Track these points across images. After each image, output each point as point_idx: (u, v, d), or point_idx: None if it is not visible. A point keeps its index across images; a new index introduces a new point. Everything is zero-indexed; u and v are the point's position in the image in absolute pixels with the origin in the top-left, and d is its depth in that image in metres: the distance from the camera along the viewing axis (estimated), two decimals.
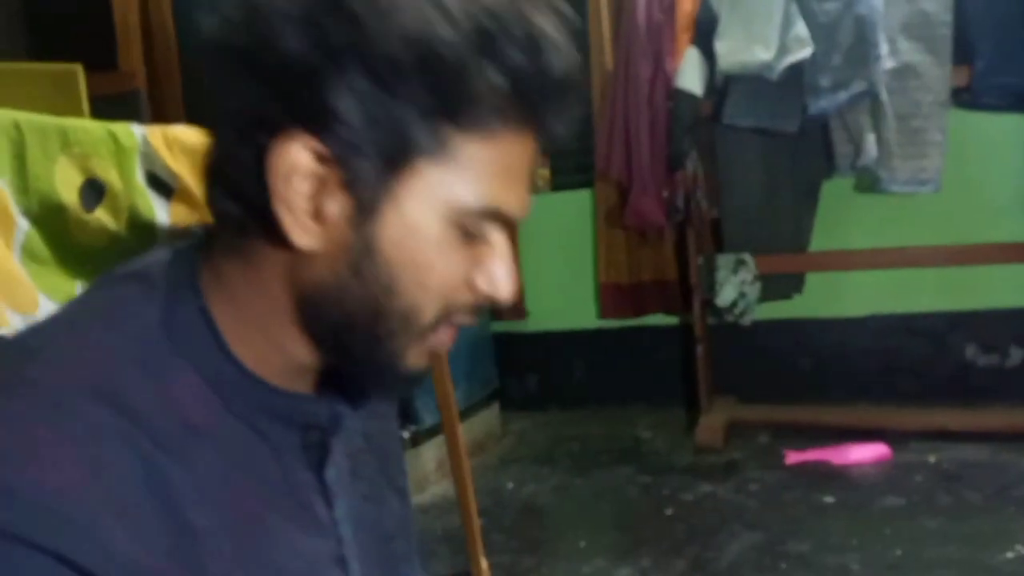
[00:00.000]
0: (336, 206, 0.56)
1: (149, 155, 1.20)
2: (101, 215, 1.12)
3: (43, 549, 0.50)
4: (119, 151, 1.13)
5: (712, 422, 2.68)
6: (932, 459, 2.38)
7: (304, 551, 0.63)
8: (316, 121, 0.55)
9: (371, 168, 0.56)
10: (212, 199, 0.60)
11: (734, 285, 2.69)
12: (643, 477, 2.47)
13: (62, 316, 0.61)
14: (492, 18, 0.55)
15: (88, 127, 1.10)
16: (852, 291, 2.86)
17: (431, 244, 0.57)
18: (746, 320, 2.72)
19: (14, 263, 1.00)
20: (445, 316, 0.60)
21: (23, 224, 1.01)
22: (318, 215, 0.57)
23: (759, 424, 2.70)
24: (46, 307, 1.05)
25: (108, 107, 1.55)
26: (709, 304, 2.73)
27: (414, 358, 0.61)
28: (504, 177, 0.58)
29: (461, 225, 0.58)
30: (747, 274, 2.69)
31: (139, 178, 1.18)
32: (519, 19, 0.56)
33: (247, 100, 0.56)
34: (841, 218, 2.80)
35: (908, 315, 2.81)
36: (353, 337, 0.59)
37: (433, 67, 0.54)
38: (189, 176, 1.29)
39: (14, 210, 1.00)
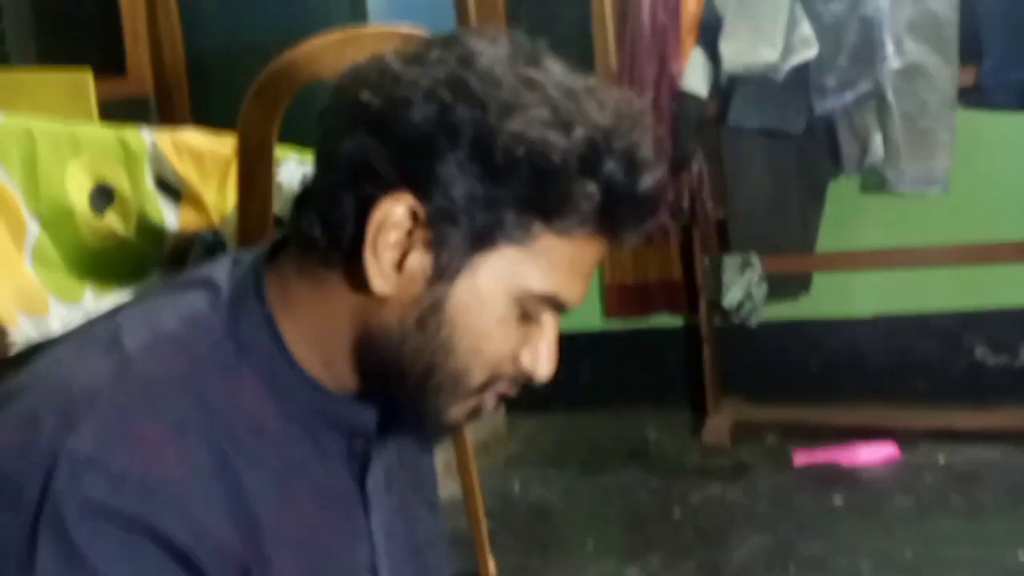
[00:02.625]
0: (418, 262, 0.62)
1: (158, 159, 1.21)
2: (111, 219, 1.12)
3: (146, 528, 0.55)
4: (128, 156, 1.14)
5: (719, 423, 2.68)
6: (942, 459, 2.38)
7: (344, 556, 0.67)
8: (421, 185, 0.61)
9: (458, 238, 0.61)
10: (300, 223, 0.64)
11: (741, 286, 2.69)
12: (650, 478, 2.47)
13: (142, 317, 0.65)
14: (600, 132, 0.61)
15: (98, 132, 1.11)
16: (860, 291, 2.85)
17: (493, 316, 0.63)
18: (753, 321, 2.71)
19: (25, 266, 1.00)
20: (490, 383, 0.66)
21: (34, 228, 1.02)
22: (400, 266, 0.62)
23: (767, 425, 2.69)
24: (56, 310, 1.06)
25: (117, 112, 1.56)
26: (715, 305, 2.73)
27: (454, 415, 0.66)
28: (572, 271, 0.64)
29: (523, 305, 0.63)
30: (754, 275, 2.68)
31: (148, 182, 1.19)
32: (622, 136, 0.61)
33: (364, 152, 0.61)
34: (848, 218, 2.79)
35: (916, 315, 2.80)
36: (403, 384, 0.64)
37: (538, 167, 0.60)
38: (197, 180, 1.29)
39: (25, 214, 1.00)
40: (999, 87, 2.48)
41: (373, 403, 0.67)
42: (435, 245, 0.61)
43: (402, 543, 0.73)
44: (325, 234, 0.63)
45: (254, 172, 1.21)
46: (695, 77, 2.61)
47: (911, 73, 2.46)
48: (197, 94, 2.39)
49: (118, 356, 0.61)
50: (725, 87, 2.60)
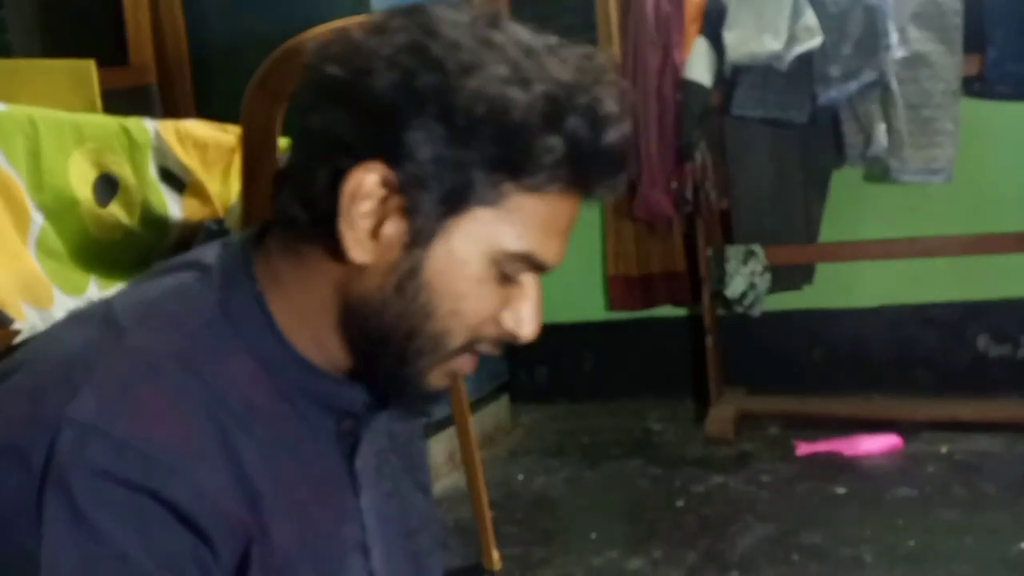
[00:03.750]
0: (393, 229, 0.63)
1: (161, 150, 1.21)
2: (115, 209, 1.12)
3: (149, 492, 0.56)
4: (132, 146, 1.14)
5: (722, 413, 2.68)
6: (944, 450, 2.38)
7: (333, 535, 0.68)
8: (390, 152, 0.61)
9: (431, 202, 0.62)
10: (279, 202, 0.66)
11: (744, 276, 2.68)
12: (654, 469, 2.47)
13: (136, 298, 0.66)
14: (561, 88, 0.61)
15: (102, 122, 1.11)
16: (863, 282, 2.85)
17: (470, 278, 0.63)
18: (756, 311, 2.71)
19: (30, 257, 1.00)
20: (470, 344, 0.66)
21: (38, 219, 1.02)
22: (375, 234, 0.63)
23: (770, 415, 2.70)
24: (61, 301, 1.06)
25: (120, 102, 1.55)
26: (719, 295, 2.73)
27: (436, 378, 0.67)
28: (547, 230, 0.64)
29: (500, 266, 0.64)
30: (757, 265, 2.68)
31: (152, 172, 1.19)
32: (584, 91, 0.62)
33: (332, 124, 0.62)
34: (852, 208, 2.79)
35: (919, 305, 2.79)
36: (386, 350, 0.65)
37: (502, 125, 0.60)
38: (200, 170, 1.29)
39: (29, 205, 1.00)
40: (1004, 77, 2.47)
41: (362, 382, 0.68)
42: (409, 211, 0.62)
43: (394, 526, 0.74)
44: (303, 210, 0.64)
45: (258, 162, 1.21)
46: (699, 66, 2.60)
47: (915, 62, 2.45)
48: (200, 84, 2.39)
49: (114, 330, 0.63)
50: (729, 77, 2.59)
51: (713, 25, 2.58)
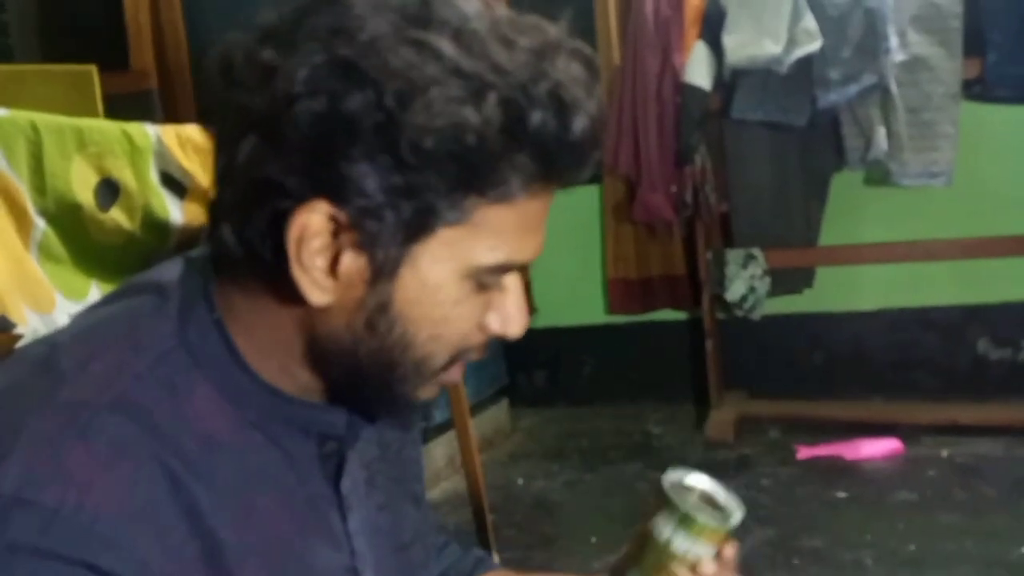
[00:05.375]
0: (351, 264, 0.56)
1: (163, 154, 1.20)
2: (116, 214, 1.12)
3: (85, 565, 0.51)
4: (134, 151, 1.13)
5: (722, 417, 2.68)
6: (945, 453, 2.38)
7: (318, 563, 0.63)
8: (331, 189, 0.54)
9: (388, 232, 0.55)
10: (219, 239, 0.58)
11: (744, 280, 2.68)
12: (654, 472, 2.46)
13: (82, 331, 0.61)
14: (517, 86, 0.53)
15: (103, 127, 1.10)
16: (863, 285, 2.85)
17: (446, 301, 0.58)
18: (756, 315, 2.71)
19: (31, 262, 1.00)
20: (457, 357, 0.61)
21: (40, 223, 1.02)
22: (333, 273, 0.56)
23: (770, 419, 2.70)
24: (63, 306, 1.05)
25: (121, 107, 1.55)
26: (718, 299, 2.73)
27: (424, 392, 0.63)
28: (521, 233, 0.58)
29: (475, 280, 0.58)
30: (757, 268, 2.68)
31: (153, 177, 1.18)
32: (544, 78, 0.54)
33: (261, 163, 0.54)
34: (851, 212, 2.79)
35: (920, 309, 2.80)
36: (366, 384, 0.60)
37: (458, 149, 0.53)
38: (202, 175, 1.29)
39: (31, 210, 1.00)
40: (1003, 80, 2.48)
41: (341, 404, 0.64)
42: (366, 245, 0.55)
43: (387, 539, 0.70)
44: (244, 251, 0.57)
45: None
46: (698, 70, 2.60)
47: (915, 66, 2.45)
48: (201, 88, 2.39)
49: (49, 379, 0.57)
50: (728, 80, 2.59)
51: (713, 29, 2.58)
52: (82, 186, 1.06)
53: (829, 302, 2.86)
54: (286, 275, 0.56)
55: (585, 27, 2.90)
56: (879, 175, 2.67)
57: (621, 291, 3.00)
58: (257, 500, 0.60)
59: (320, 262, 0.56)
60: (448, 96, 0.52)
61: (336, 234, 0.55)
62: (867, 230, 2.78)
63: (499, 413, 2.94)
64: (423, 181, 0.54)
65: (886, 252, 2.73)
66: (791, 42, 2.46)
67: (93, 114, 1.28)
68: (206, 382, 0.59)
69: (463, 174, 0.54)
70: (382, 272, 0.56)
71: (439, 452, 2.55)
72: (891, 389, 2.76)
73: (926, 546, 1.92)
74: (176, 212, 1.22)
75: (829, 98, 2.51)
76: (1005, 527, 1.97)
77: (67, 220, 1.05)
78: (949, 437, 2.44)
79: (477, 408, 2.72)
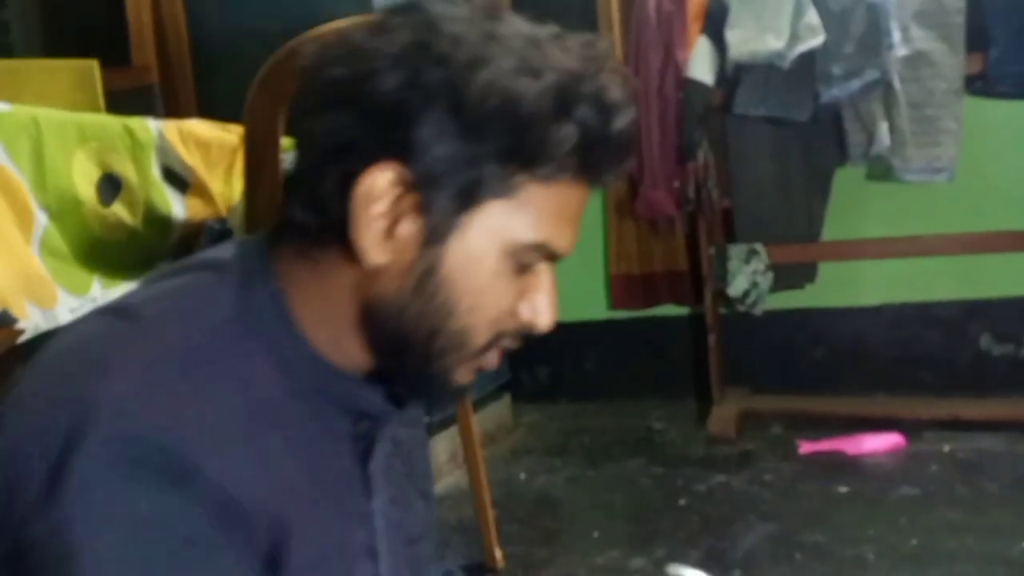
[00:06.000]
0: (408, 228, 0.62)
1: (164, 149, 1.21)
2: (118, 209, 1.12)
3: (188, 467, 0.56)
4: (135, 146, 1.14)
5: (725, 413, 2.68)
6: (947, 449, 2.38)
7: (346, 538, 0.67)
8: (401, 151, 0.61)
9: (445, 199, 0.61)
10: (288, 208, 0.65)
11: (746, 275, 2.68)
12: (656, 468, 2.47)
13: (152, 294, 0.66)
14: (568, 76, 0.61)
15: (105, 122, 1.11)
16: (865, 280, 2.85)
17: (488, 272, 0.63)
18: (758, 310, 2.71)
19: (33, 257, 1.00)
20: (494, 340, 0.66)
21: (42, 219, 1.02)
22: (390, 234, 0.62)
23: (772, 414, 2.69)
24: (64, 301, 1.06)
25: (122, 103, 1.56)
26: (721, 294, 2.73)
27: (462, 375, 0.67)
28: (559, 218, 0.64)
29: (515, 257, 0.64)
30: (759, 264, 2.68)
31: (155, 172, 1.19)
32: (591, 79, 0.62)
33: (339, 127, 0.61)
34: (854, 207, 2.78)
35: (922, 304, 2.79)
36: (409, 350, 0.64)
37: (512, 115, 0.60)
38: (203, 170, 1.29)
39: (33, 205, 1.00)
40: (1006, 76, 2.47)
41: (380, 383, 0.67)
42: (423, 209, 0.61)
43: (397, 532, 0.73)
44: (314, 216, 0.63)
45: (261, 161, 1.21)
46: (701, 65, 2.60)
47: (917, 61, 2.45)
48: (202, 84, 2.39)
49: (133, 320, 0.62)
50: (731, 75, 2.59)
51: (715, 24, 2.58)
52: (84, 181, 1.06)
53: (831, 297, 2.86)
54: (347, 239, 0.62)
55: (587, 22, 2.89)
56: (881, 170, 2.66)
57: (623, 287, 3.00)
58: (298, 468, 0.63)
59: (381, 222, 0.61)
60: (509, 68, 0.60)
61: (398, 197, 0.61)
62: (869, 225, 2.77)
63: (501, 409, 2.94)
64: (480, 150, 0.61)
65: (888, 248, 2.72)
66: (793, 37, 2.45)
67: (95, 109, 1.29)
68: (259, 351, 0.63)
69: (514, 145, 0.61)
70: (434, 237, 0.62)
71: (441, 448, 2.55)
72: (893, 384, 2.76)
73: (928, 541, 1.92)
74: (178, 207, 1.22)
75: (831, 93, 2.51)
76: (1007, 523, 1.96)
77: (69, 215, 1.05)
78: (951, 432, 2.44)
79: (479, 404, 2.73)
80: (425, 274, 0.62)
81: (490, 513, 1.96)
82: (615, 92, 0.63)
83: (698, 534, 2.07)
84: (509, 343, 0.67)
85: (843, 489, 2.21)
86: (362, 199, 0.61)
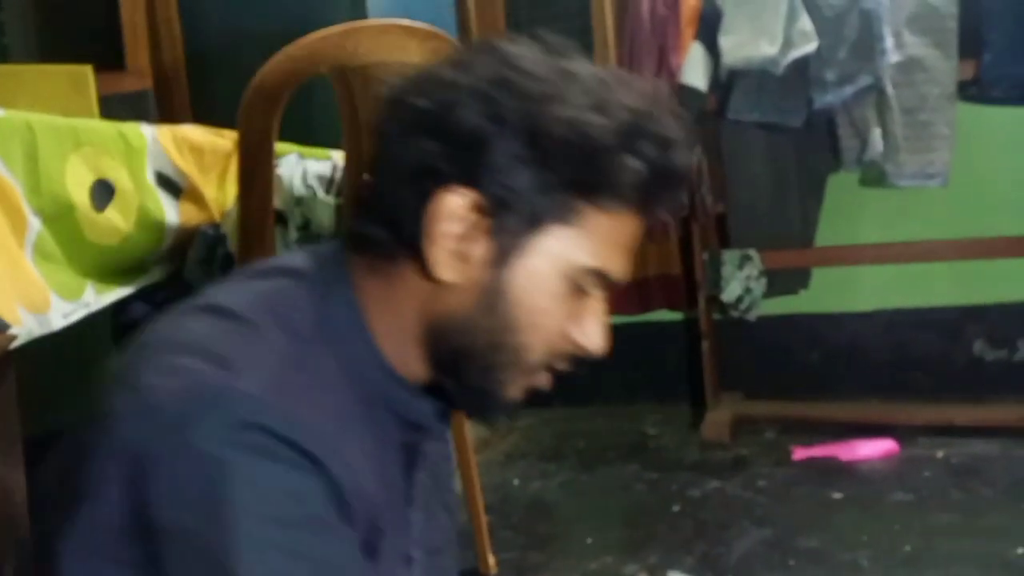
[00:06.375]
0: (478, 249, 0.67)
1: (158, 155, 1.21)
2: (111, 215, 1.12)
3: (312, 459, 0.60)
4: (129, 150, 1.13)
5: (718, 418, 2.68)
6: (941, 454, 2.38)
7: (393, 544, 0.71)
8: (477, 176, 0.66)
9: (513, 222, 0.67)
10: (360, 225, 0.70)
11: (740, 280, 2.69)
12: (650, 473, 2.47)
13: (247, 298, 0.69)
14: (634, 115, 0.67)
15: (99, 127, 1.10)
16: (859, 286, 2.85)
17: (547, 293, 0.68)
18: (752, 315, 2.71)
19: (26, 262, 1.00)
20: (548, 360, 0.71)
21: (35, 223, 1.02)
22: (461, 254, 0.67)
23: (766, 420, 2.70)
24: (57, 305, 1.05)
25: (117, 108, 1.55)
26: (715, 300, 2.73)
27: (514, 390, 0.71)
28: (615, 246, 0.69)
29: (573, 280, 0.68)
30: (753, 269, 2.68)
31: (149, 177, 1.19)
32: (655, 119, 0.67)
33: (421, 152, 0.67)
34: (848, 212, 2.79)
35: (915, 309, 2.80)
36: (468, 363, 0.69)
37: (583, 147, 0.66)
38: (197, 175, 1.29)
39: (26, 209, 1.00)
40: (999, 81, 2.48)
41: (434, 396, 0.72)
42: (493, 231, 0.67)
43: (425, 542, 0.77)
44: (389, 233, 0.68)
45: (254, 167, 1.21)
46: (694, 71, 2.61)
47: (911, 67, 2.46)
48: (197, 89, 2.39)
49: (240, 323, 0.65)
50: (725, 81, 2.59)
51: (709, 29, 2.58)
52: (77, 186, 1.06)
53: (825, 303, 2.87)
54: (419, 255, 0.67)
55: (581, 27, 2.90)
56: (875, 176, 2.67)
57: (617, 292, 3.00)
58: (374, 473, 0.67)
59: (453, 242, 0.67)
60: (579, 104, 0.66)
61: (471, 219, 0.66)
62: (863, 231, 2.78)
63: None
64: (550, 179, 0.66)
65: (882, 253, 2.73)
66: (787, 43, 2.46)
67: (89, 114, 1.29)
68: (334, 356, 0.67)
69: (582, 175, 0.66)
70: (501, 258, 0.67)
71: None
72: (887, 390, 2.76)
73: (922, 546, 1.92)
74: (171, 212, 1.22)
75: (825, 99, 2.52)
76: (1001, 527, 1.97)
77: (62, 220, 1.05)
78: (945, 438, 2.44)
79: None
80: (491, 292, 0.67)
81: (483, 518, 1.95)
82: (675, 132, 0.68)
83: (692, 540, 2.06)
84: (560, 364, 0.72)
85: (837, 494, 2.21)
86: (437, 219, 0.66)
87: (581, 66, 0.69)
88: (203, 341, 0.64)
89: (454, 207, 0.66)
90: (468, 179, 0.66)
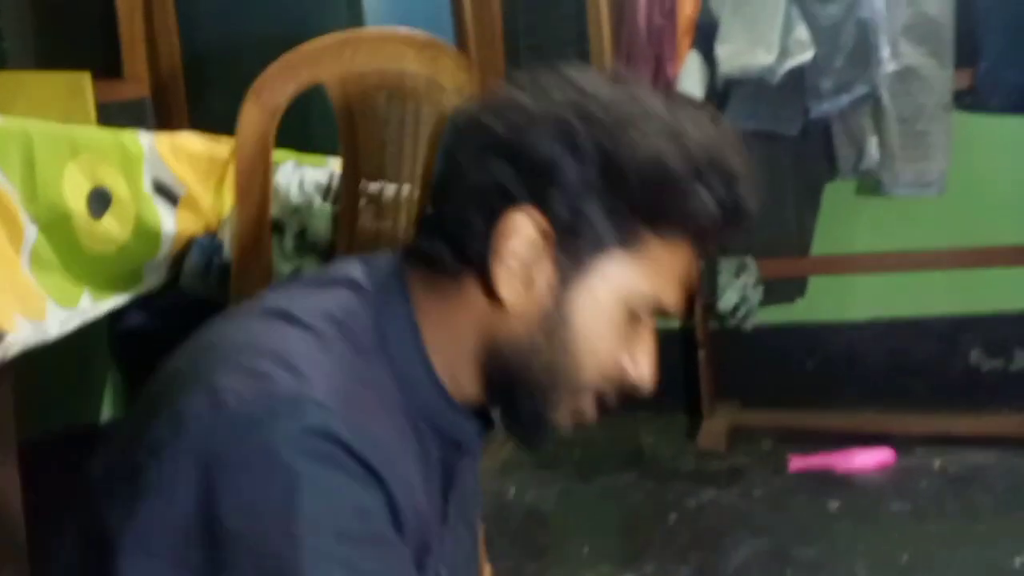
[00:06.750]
0: (541, 271, 0.68)
1: (155, 162, 1.20)
2: (108, 223, 1.12)
3: (375, 472, 0.61)
4: (126, 158, 1.13)
5: (715, 427, 2.68)
6: (937, 464, 2.38)
7: (426, 557, 0.70)
8: (547, 200, 0.67)
9: (579, 247, 0.68)
10: (423, 241, 0.71)
11: (736, 289, 2.69)
12: (646, 482, 2.47)
13: (311, 305, 0.69)
14: (708, 149, 0.67)
15: (96, 135, 1.10)
16: (855, 294, 2.85)
17: (605, 318, 0.69)
18: (748, 324, 2.71)
19: (23, 270, 1.00)
20: (598, 386, 0.71)
21: (31, 231, 1.02)
22: (524, 275, 0.68)
23: (762, 429, 2.69)
24: (54, 313, 1.05)
25: (114, 115, 1.55)
26: (711, 308, 2.73)
27: (562, 416, 0.72)
28: (671, 276, 0.70)
29: (630, 307, 0.69)
30: (749, 277, 2.68)
31: (146, 185, 1.18)
32: (727, 157, 0.68)
33: (493, 173, 0.68)
34: (844, 221, 2.79)
35: (912, 318, 2.80)
36: (523, 385, 0.70)
37: (653, 178, 0.66)
38: (194, 183, 1.29)
39: (23, 217, 1.00)
40: (995, 90, 2.49)
41: (480, 416, 0.72)
42: (558, 254, 0.67)
43: (449, 559, 0.76)
44: (452, 251, 0.69)
45: (252, 175, 1.21)
46: (691, 79, 2.61)
47: (907, 76, 2.46)
48: (194, 97, 2.39)
49: (306, 330, 0.66)
50: (721, 90, 2.60)
51: (705, 39, 2.59)
52: (74, 194, 1.05)
53: (822, 311, 2.87)
54: (483, 275, 0.68)
55: (578, 35, 2.90)
56: (871, 184, 2.67)
57: None
58: (418, 487, 0.67)
59: (518, 262, 0.67)
60: (653, 134, 0.66)
61: (537, 241, 0.67)
62: (860, 239, 2.78)
63: None
64: (617, 206, 0.67)
65: (879, 262, 2.73)
66: (783, 52, 2.46)
67: (87, 121, 1.28)
68: (390, 370, 0.68)
69: (649, 203, 0.67)
70: (564, 282, 0.68)
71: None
72: (884, 399, 2.76)
73: (920, 556, 1.92)
74: (168, 220, 1.21)
75: (821, 108, 2.52)
76: (999, 537, 1.97)
77: (59, 228, 1.04)
78: (942, 447, 2.44)
79: None
80: (550, 315, 0.68)
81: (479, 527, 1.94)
82: (743, 169, 0.69)
83: (688, 549, 2.06)
84: (609, 393, 0.73)
85: (834, 504, 2.21)
86: (504, 239, 0.67)
87: (653, 97, 0.70)
88: (275, 346, 0.64)
89: (523, 226, 0.67)
90: (538, 202, 0.67)
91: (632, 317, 0.69)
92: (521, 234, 0.67)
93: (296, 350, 0.64)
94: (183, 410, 0.62)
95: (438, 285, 0.70)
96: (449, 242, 0.69)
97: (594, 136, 0.66)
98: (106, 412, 2.03)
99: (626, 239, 0.67)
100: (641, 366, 0.72)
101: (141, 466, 0.61)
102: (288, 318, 0.67)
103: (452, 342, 0.69)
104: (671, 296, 0.70)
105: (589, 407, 0.73)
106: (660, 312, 0.71)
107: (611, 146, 0.66)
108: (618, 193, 0.66)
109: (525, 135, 0.67)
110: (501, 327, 0.68)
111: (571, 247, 0.67)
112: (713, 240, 0.71)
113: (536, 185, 0.67)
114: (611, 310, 0.68)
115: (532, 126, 0.67)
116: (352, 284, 0.71)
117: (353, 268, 0.73)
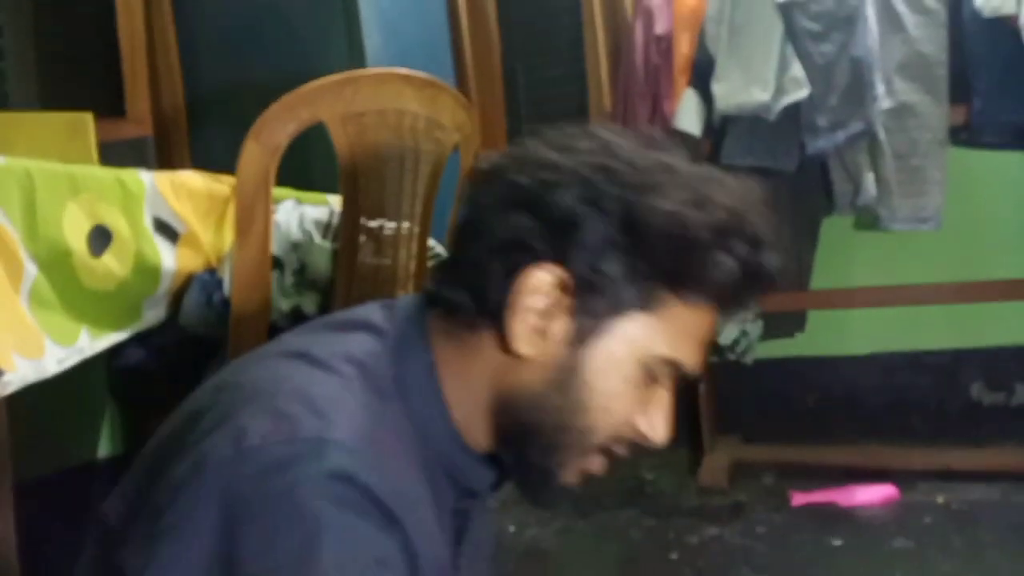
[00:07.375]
0: (559, 326, 0.68)
1: (156, 200, 1.21)
2: (108, 260, 1.12)
3: (396, 524, 0.61)
4: (127, 197, 1.14)
5: (716, 463, 2.66)
6: (940, 500, 2.36)
7: None
8: (567, 256, 0.67)
9: (597, 304, 0.67)
10: (444, 289, 0.71)
11: (736, 323, 2.68)
12: (647, 519, 2.45)
13: (333, 349, 0.69)
14: (732, 214, 0.67)
15: (97, 174, 1.11)
16: (855, 329, 2.85)
17: (621, 378, 0.68)
18: (748, 359, 2.70)
19: (22, 308, 1.00)
20: (609, 444, 0.71)
21: (31, 270, 1.02)
22: (542, 329, 0.67)
23: (764, 464, 2.68)
24: (52, 351, 1.05)
25: (117, 154, 1.57)
26: (711, 343, 2.72)
27: (570, 474, 0.71)
28: (692, 338, 0.69)
29: (647, 368, 0.68)
30: (748, 312, 2.68)
31: (146, 223, 1.19)
32: (749, 219, 0.68)
33: (515, 226, 0.68)
34: (842, 256, 2.80)
35: (912, 353, 2.80)
36: (533, 440, 0.69)
37: (677, 243, 0.66)
38: (195, 220, 1.30)
39: (23, 256, 1.00)
40: (989, 126, 2.51)
41: (492, 465, 0.72)
42: (576, 311, 0.67)
43: None
44: (471, 300, 0.68)
45: (252, 212, 1.21)
46: (688, 117, 2.63)
47: (902, 112, 2.48)
48: (196, 136, 2.41)
49: (329, 372, 0.66)
50: (718, 126, 2.62)
51: (702, 76, 2.62)
52: (74, 232, 1.06)
53: (821, 346, 2.86)
54: (501, 326, 0.67)
55: (576, 73, 2.93)
56: (869, 220, 2.68)
57: None
58: (435, 534, 0.67)
59: (535, 317, 0.67)
60: (678, 197, 0.66)
61: (556, 296, 0.67)
62: (858, 274, 2.79)
63: None
64: (639, 267, 0.66)
65: (878, 296, 2.73)
66: (779, 90, 2.49)
67: (89, 161, 1.30)
68: (408, 415, 0.68)
69: (672, 267, 0.67)
70: (581, 338, 0.67)
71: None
72: (885, 434, 2.75)
73: None
74: (168, 257, 1.22)
75: (818, 144, 2.54)
76: (1003, 573, 1.95)
77: (58, 266, 1.05)
78: (944, 483, 2.42)
79: None
80: (565, 371, 0.67)
81: None
82: (766, 233, 0.69)
83: None
84: (620, 451, 0.71)
85: (837, 541, 2.19)
86: (523, 292, 0.67)
87: (680, 160, 0.69)
88: (300, 388, 0.64)
89: (540, 283, 0.66)
90: (558, 258, 0.67)
91: (650, 377, 0.69)
92: (539, 289, 0.67)
93: (320, 392, 0.64)
94: (207, 450, 0.62)
95: (457, 333, 0.70)
96: (468, 291, 0.69)
97: (619, 196, 0.66)
98: (103, 449, 2.02)
99: (646, 300, 0.67)
100: (657, 428, 0.71)
101: (162, 506, 0.61)
102: (312, 360, 0.67)
103: (468, 391, 0.69)
104: (690, 357, 0.70)
105: (598, 465, 0.72)
106: (680, 373, 0.70)
107: (635, 207, 0.66)
108: (640, 254, 0.66)
109: (550, 190, 0.67)
110: (514, 379, 0.68)
111: (590, 305, 0.67)
112: (736, 304, 0.70)
113: (558, 241, 0.67)
114: (628, 370, 0.68)
115: (558, 182, 0.67)
116: (374, 329, 0.71)
117: (374, 312, 0.73)
